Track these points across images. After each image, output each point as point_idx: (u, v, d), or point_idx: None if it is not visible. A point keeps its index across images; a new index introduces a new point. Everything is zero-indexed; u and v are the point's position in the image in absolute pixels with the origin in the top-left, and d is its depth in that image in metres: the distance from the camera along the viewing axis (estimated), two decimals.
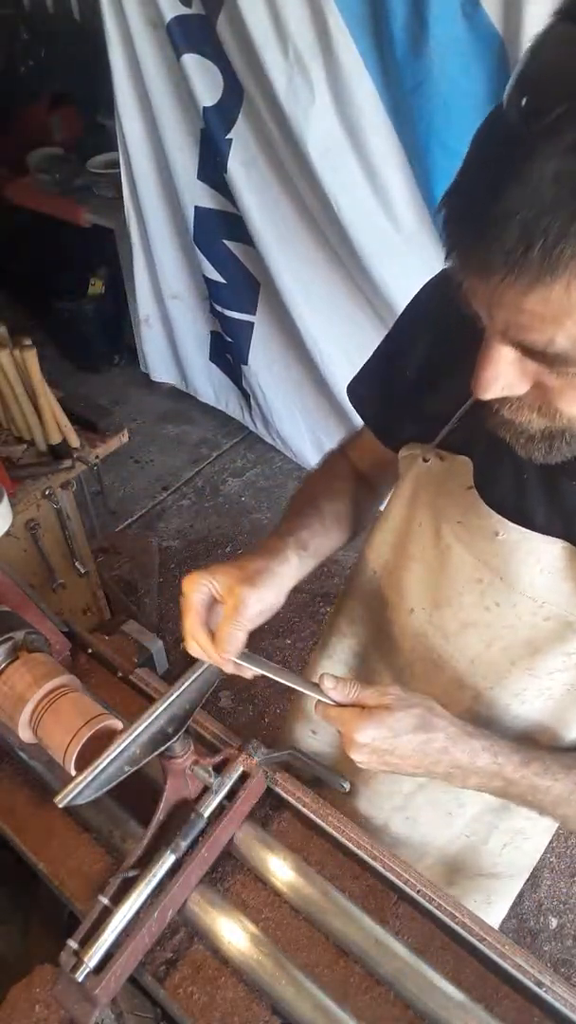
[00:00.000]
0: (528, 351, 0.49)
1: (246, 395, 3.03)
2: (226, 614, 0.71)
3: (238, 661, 0.72)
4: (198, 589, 0.72)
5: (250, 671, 0.73)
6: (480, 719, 0.82)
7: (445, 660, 0.84)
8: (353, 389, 0.95)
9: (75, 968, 0.71)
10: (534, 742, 0.81)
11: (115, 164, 2.93)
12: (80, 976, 0.71)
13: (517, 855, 1.02)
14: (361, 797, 1.05)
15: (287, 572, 0.77)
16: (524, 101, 0.40)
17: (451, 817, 0.98)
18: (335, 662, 1.08)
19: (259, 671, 0.73)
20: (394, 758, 0.68)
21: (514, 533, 0.70)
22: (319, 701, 0.70)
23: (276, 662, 0.73)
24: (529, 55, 0.41)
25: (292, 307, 2.45)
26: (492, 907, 1.10)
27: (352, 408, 0.95)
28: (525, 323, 0.46)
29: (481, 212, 0.42)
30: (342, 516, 0.92)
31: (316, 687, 0.70)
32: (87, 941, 0.73)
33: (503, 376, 0.51)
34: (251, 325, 2.74)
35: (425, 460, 0.79)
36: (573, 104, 0.38)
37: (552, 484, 0.68)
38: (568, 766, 0.72)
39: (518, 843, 1.00)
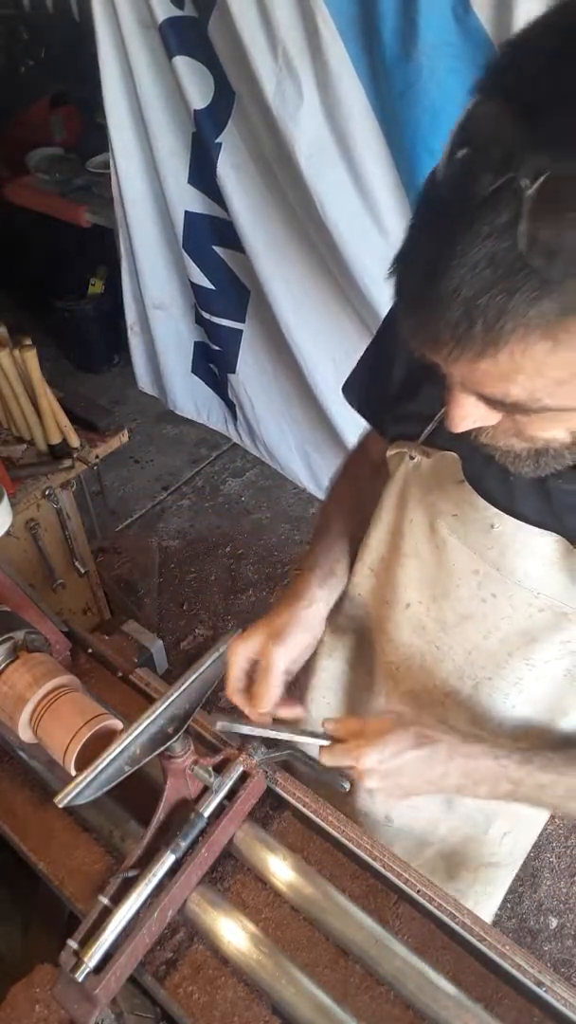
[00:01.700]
0: (488, 400, 0.51)
1: (231, 406, 2.98)
2: (259, 676, 0.78)
3: (251, 732, 0.80)
4: (237, 658, 0.80)
5: (262, 735, 0.82)
6: (480, 707, 0.84)
7: (444, 652, 0.85)
8: (349, 386, 0.97)
9: (75, 968, 0.71)
10: (531, 729, 0.83)
11: None
12: (80, 976, 0.71)
13: (517, 842, 1.05)
14: (362, 792, 1.06)
15: (315, 612, 0.85)
16: (459, 176, 0.41)
17: (451, 804, 1.00)
18: (334, 659, 1.10)
19: (274, 735, 0.81)
20: (404, 778, 0.71)
21: (510, 525, 0.72)
22: (322, 748, 0.75)
23: None
24: (458, 131, 0.42)
25: (280, 314, 2.41)
26: (491, 898, 1.13)
27: (340, 416, 0.97)
28: (479, 380, 0.48)
29: (426, 289, 0.44)
30: (363, 524, 0.94)
31: (323, 735, 0.75)
32: (87, 941, 0.73)
33: (472, 414, 0.54)
34: (240, 333, 2.71)
35: (412, 457, 0.80)
36: (506, 180, 0.39)
37: (540, 482, 0.68)
38: (569, 760, 0.73)
39: (518, 830, 1.03)
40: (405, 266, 0.48)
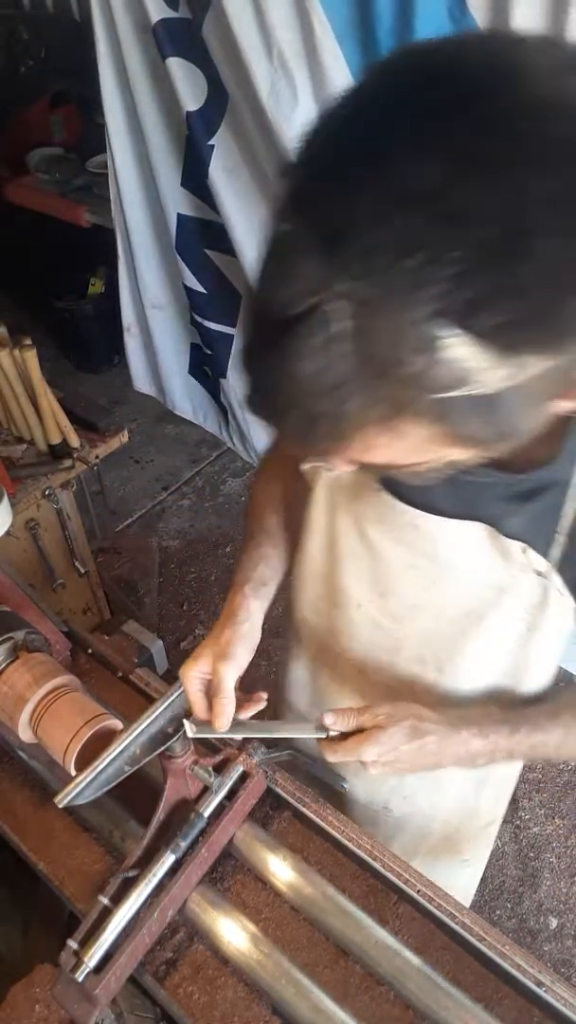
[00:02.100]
0: (355, 462, 0.54)
1: (224, 410, 2.98)
2: (213, 692, 0.79)
3: (233, 735, 0.79)
4: (190, 682, 0.80)
5: (244, 736, 0.83)
6: (445, 689, 0.88)
7: (403, 642, 0.89)
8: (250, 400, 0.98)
9: (75, 968, 0.71)
10: (494, 693, 0.87)
11: None
12: (80, 976, 0.71)
13: (505, 798, 1.12)
14: (358, 787, 1.07)
15: (252, 624, 0.86)
16: (275, 297, 0.43)
17: (442, 783, 1.02)
18: (304, 658, 1.11)
19: (255, 735, 0.81)
20: (402, 764, 0.74)
21: (431, 522, 0.75)
22: (320, 740, 0.75)
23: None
24: (265, 258, 0.44)
25: None
26: (490, 844, 1.20)
27: None
28: (339, 456, 0.51)
29: (265, 398, 0.48)
30: (292, 521, 0.96)
31: (318, 727, 0.75)
32: (87, 941, 0.73)
33: (347, 466, 0.56)
34: (231, 338, 2.69)
35: (329, 470, 0.82)
36: (316, 302, 0.40)
37: (450, 478, 0.69)
38: (552, 714, 0.79)
39: (502, 787, 1.09)
40: (245, 366, 0.49)
